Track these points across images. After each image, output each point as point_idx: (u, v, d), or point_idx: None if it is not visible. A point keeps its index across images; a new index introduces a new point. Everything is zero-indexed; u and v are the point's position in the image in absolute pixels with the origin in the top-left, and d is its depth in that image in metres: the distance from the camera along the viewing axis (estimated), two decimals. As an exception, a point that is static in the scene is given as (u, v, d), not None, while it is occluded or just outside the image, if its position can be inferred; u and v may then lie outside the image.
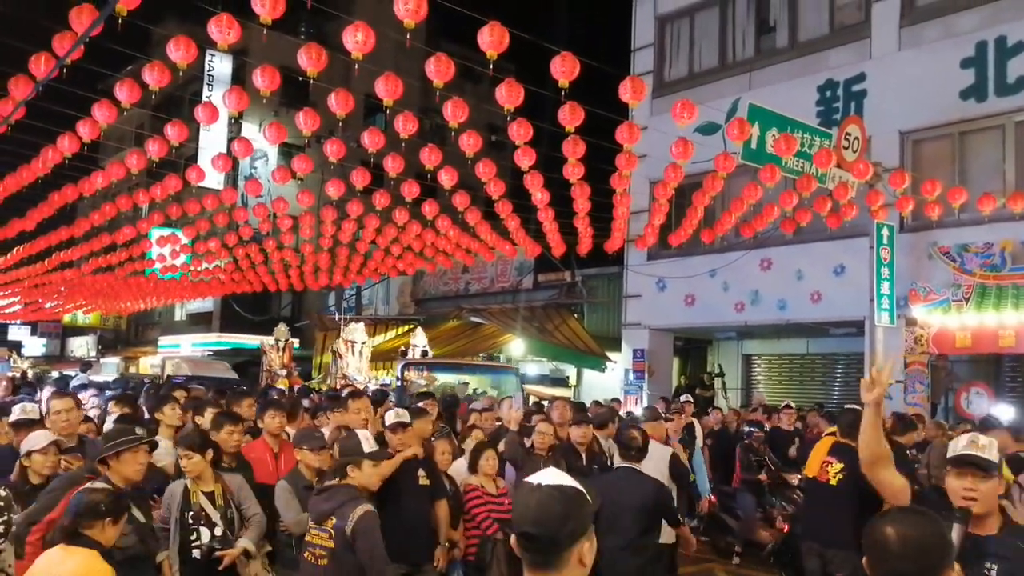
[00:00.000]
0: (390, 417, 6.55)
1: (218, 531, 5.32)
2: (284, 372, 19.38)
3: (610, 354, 19.48)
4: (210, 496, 5.40)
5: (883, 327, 14.14)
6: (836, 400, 17.93)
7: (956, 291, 13.48)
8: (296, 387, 17.15)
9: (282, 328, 20.72)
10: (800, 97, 16.19)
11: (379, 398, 11.03)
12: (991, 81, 14.36)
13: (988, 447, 3.52)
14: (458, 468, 7.08)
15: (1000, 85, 14.26)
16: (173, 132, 11.44)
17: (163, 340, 38.83)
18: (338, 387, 14.97)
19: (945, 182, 13.44)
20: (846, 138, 13.49)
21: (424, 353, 17.02)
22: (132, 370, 40.61)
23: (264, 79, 9.40)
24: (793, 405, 12.78)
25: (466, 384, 15.39)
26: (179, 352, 36.86)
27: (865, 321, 14.94)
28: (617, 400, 15.91)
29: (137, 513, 4.68)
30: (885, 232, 14.30)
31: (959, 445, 3.58)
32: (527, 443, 7.80)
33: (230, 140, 28.66)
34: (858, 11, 16.59)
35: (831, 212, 13.74)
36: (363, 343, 17.86)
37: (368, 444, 5.18)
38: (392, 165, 12.36)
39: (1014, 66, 14.09)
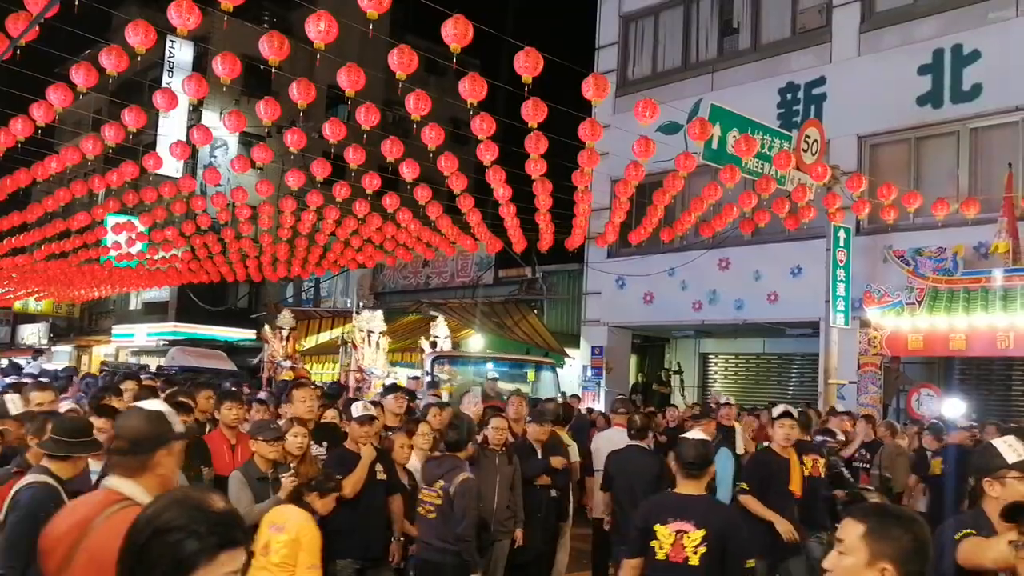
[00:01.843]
0: (357, 409, 6.52)
1: None
2: (288, 363, 17.69)
3: (569, 350, 19.54)
4: None
5: (838, 328, 14.33)
6: (791, 400, 18.10)
7: (909, 294, 13.68)
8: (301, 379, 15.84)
9: (287, 315, 18.99)
10: (761, 99, 16.33)
11: (334, 392, 10.99)
12: (947, 88, 14.61)
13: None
14: (416, 463, 7.05)
15: (956, 92, 14.51)
16: (131, 118, 11.24)
17: (117, 329, 38.18)
18: (354, 381, 14.13)
19: (901, 186, 13.64)
20: (805, 141, 13.63)
21: (433, 344, 15.66)
22: (84, 359, 39.97)
23: (225, 67, 9.28)
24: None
25: (495, 379, 14.16)
26: (132, 341, 36.33)
27: (820, 322, 15.12)
28: (576, 396, 15.96)
29: None
30: (842, 234, 14.49)
31: (1015, 450, 3.43)
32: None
33: (189, 128, 28.34)
34: (819, 15, 16.78)
35: (789, 214, 13.87)
36: (380, 333, 16.23)
37: None
38: (353, 157, 12.26)
39: (969, 74, 14.35)
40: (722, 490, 8.24)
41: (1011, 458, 3.36)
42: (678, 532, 4.36)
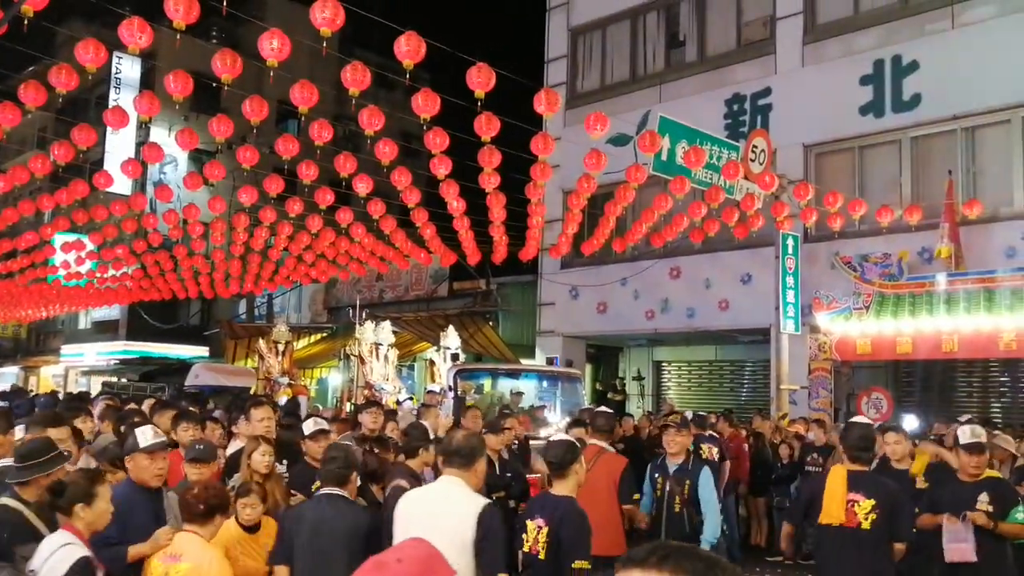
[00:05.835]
0: (309, 426, 6.51)
1: None
2: (286, 380, 16.82)
3: (524, 361, 19.61)
4: None
5: (788, 334, 14.59)
6: (743, 405, 18.38)
7: (857, 299, 13.98)
8: (300, 397, 14.80)
9: (282, 329, 17.86)
10: (708, 110, 16.59)
11: (291, 409, 10.95)
12: (888, 98, 14.97)
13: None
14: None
15: (896, 102, 14.87)
16: (79, 136, 11.16)
17: (66, 349, 37.54)
18: (362, 398, 13.47)
19: (846, 194, 13.93)
20: (752, 150, 13.87)
21: (455, 356, 14.74)
22: (32, 379, 39.17)
23: (176, 84, 9.24)
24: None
25: (520, 394, 13.39)
26: (83, 361, 35.71)
27: (771, 328, 15.37)
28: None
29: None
30: (790, 242, 14.77)
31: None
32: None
33: (139, 145, 28.01)
34: (763, 28, 17.09)
35: (738, 222, 14.10)
36: (389, 345, 15.14)
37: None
38: (306, 172, 12.27)
39: (909, 84, 14.71)
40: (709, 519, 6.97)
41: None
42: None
